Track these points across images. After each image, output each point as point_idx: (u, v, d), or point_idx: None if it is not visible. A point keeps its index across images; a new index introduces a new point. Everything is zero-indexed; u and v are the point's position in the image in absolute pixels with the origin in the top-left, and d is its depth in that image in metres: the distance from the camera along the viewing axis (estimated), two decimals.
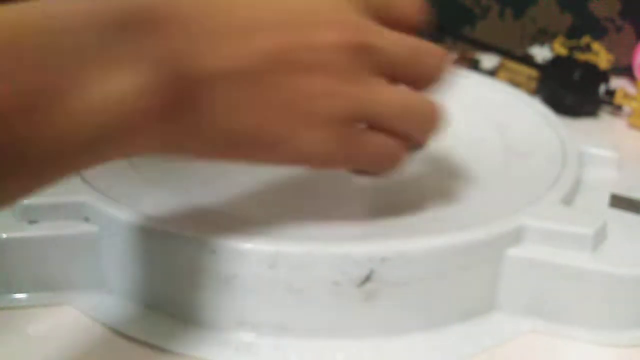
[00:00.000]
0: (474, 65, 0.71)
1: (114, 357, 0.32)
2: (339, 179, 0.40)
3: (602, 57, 0.66)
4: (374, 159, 0.32)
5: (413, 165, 0.42)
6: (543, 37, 0.76)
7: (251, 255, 0.31)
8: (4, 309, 0.35)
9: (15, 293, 0.35)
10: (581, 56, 0.66)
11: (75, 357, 0.32)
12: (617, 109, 0.64)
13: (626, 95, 0.63)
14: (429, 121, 0.32)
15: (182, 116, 0.26)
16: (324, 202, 0.37)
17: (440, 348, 0.33)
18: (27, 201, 0.34)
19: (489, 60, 0.73)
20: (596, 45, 0.68)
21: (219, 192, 0.38)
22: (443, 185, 0.39)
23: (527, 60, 0.68)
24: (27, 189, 0.24)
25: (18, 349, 0.32)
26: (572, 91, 0.62)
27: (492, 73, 0.68)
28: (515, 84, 0.59)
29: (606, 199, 0.39)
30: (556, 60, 0.65)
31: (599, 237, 0.34)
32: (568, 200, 0.37)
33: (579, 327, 0.34)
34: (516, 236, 0.33)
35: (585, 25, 0.75)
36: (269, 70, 0.27)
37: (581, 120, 0.62)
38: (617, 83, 0.66)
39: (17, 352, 0.32)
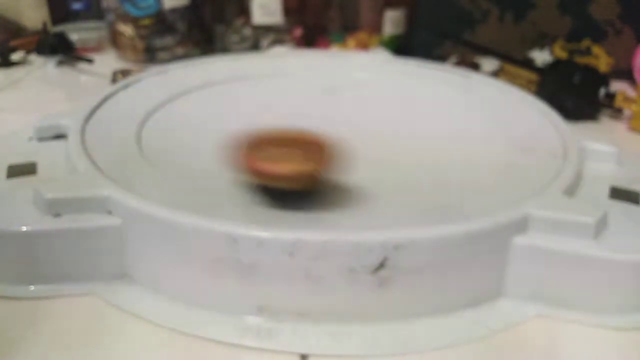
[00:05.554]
0: (475, 69, 0.75)
1: (140, 344, 0.35)
2: (351, 168, 0.44)
3: (602, 60, 0.70)
4: None
5: (423, 158, 0.46)
6: (543, 40, 0.79)
7: (271, 243, 0.35)
8: (30, 299, 0.38)
9: (40, 284, 0.38)
10: (581, 59, 0.69)
11: (101, 345, 0.35)
12: (617, 112, 0.68)
13: (626, 99, 0.66)
14: None
15: None
16: (337, 192, 0.41)
17: (450, 332, 0.36)
18: (51, 195, 0.38)
19: (489, 64, 0.77)
20: (596, 49, 0.72)
21: (235, 182, 0.41)
22: (452, 178, 0.43)
23: (527, 64, 0.72)
24: None
25: (44, 339, 0.35)
26: (572, 94, 0.65)
27: (493, 76, 0.72)
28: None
29: (606, 191, 0.42)
30: (556, 64, 0.69)
31: (600, 225, 0.37)
32: (570, 192, 0.41)
33: (583, 312, 0.37)
34: (522, 225, 0.37)
35: (585, 28, 0.77)
36: None
37: (581, 123, 0.66)
38: (617, 86, 0.70)
39: (43, 342, 0.35)
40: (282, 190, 0.38)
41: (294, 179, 0.38)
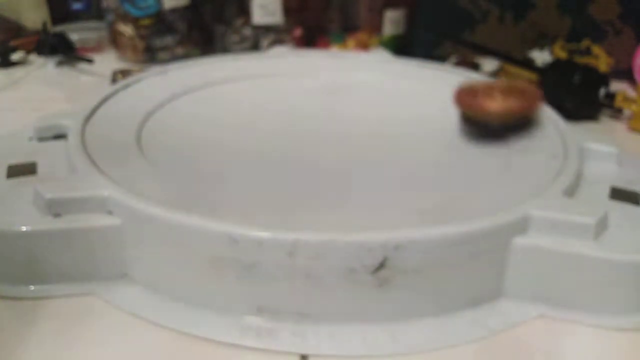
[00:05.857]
0: (475, 69, 0.75)
1: (140, 344, 0.35)
2: (352, 169, 0.44)
3: (602, 60, 0.70)
4: None
5: (424, 159, 0.46)
6: (543, 40, 0.79)
7: (271, 243, 0.35)
8: (30, 299, 0.38)
9: (41, 284, 0.38)
10: (581, 59, 0.69)
11: (102, 345, 0.35)
12: (617, 112, 0.67)
13: (626, 99, 0.66)
14: None
15: None
16: (337, 192, 0.41)
17: (451, 332, 0.36)
18: (51, 195, 0.37)
19: (489, 64, 0.77)
20: (596, 49, 0.72)
21: (236, 184, 0.41)
22: (452, 178, 0.43)
23: (527, 64, 0.72)
24: None
25: (44, 339, 0.35)
26: (572, 94, 0.65)
27: (492, 77, 0.72)
28: None
29: (606, 191, 0.42)
30: (556, 64, 0.69)
31: (601, 226, 0.37)
32: (570, 192, 0.41)
33: (583, 312, 0.37)
34: (522, 226, 0.37)
35: (585, 28, 0.77)
36: None
37: (582, 123, 0.66)
38: (617, 86, 0.70)
39: (43, 342, 0.35)
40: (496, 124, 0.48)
41: (503, 114, 0.48)
